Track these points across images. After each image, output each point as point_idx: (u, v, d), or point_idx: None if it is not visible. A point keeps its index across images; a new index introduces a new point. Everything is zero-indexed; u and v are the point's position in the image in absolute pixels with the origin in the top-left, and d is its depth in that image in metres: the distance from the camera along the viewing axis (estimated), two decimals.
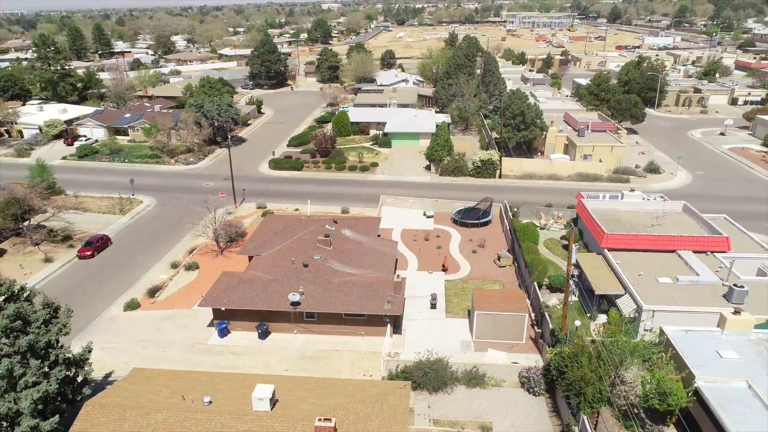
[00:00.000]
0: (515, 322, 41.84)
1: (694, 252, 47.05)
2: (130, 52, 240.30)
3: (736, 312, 35.82)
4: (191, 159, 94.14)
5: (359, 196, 74.63)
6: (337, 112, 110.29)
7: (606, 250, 47.73)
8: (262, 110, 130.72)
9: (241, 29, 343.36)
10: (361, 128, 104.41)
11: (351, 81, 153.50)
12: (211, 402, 29.87)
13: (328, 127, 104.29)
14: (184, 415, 29.00)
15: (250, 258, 51.53)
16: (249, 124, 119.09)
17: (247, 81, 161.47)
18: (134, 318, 47.41)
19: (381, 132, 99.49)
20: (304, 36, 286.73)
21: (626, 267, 45.23)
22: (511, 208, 64.20)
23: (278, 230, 54.30)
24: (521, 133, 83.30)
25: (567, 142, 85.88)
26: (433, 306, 47.33)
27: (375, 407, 30.91)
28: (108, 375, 40.11)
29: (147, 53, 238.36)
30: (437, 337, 43.24)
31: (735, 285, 39.85)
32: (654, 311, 39.40)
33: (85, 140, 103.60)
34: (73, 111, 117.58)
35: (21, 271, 56.19)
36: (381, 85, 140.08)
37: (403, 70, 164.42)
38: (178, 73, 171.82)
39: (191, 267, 55.08)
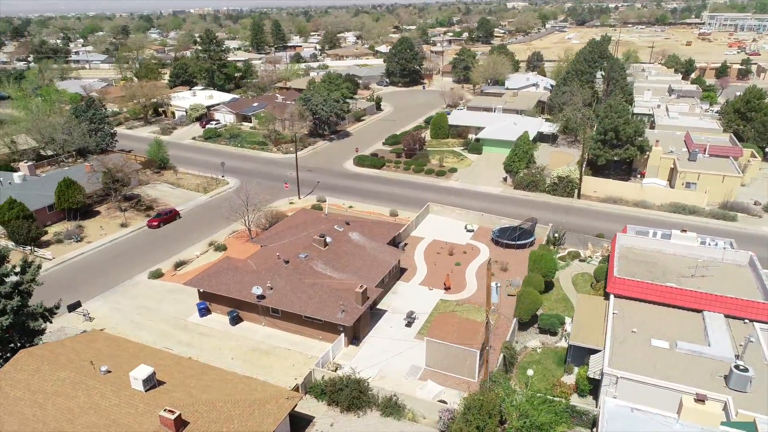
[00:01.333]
0: (466, 358, 38.14)
1: (727, 316, 37.94)
2: (300, 46, 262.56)
3: (699, 400, 28.31)
4: (291, 149, 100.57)
5: (419, 201, 72.96)
6: (439, 114, 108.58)
7: (612, 296, 40.78)
8: (381, 107, 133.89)
9: (412, 27, 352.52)
10: (459, 132, 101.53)
11: (482, 82, 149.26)
12: (108, 372, 32.67)
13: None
14: (79, 378, 32.16)
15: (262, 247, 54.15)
16: (362, 120, 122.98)
17: (382, 78, 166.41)
18: (151, 286, 53.07)
19: (474, 137, 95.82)
20: (466, 35, 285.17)
21: (623, 319, 38.24)
22: (555, 232, 57.94)
23: (294, 225, 56.12)
24: (614, 151, 73.79)
25: (673, 166, 73.94)
26: (408, 324, 45.14)
27: (246, 411, 31.01)
28: (99, 330, 45.65)
29: (315, 48, 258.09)
30: (391, 356, 41.31)
31: (737, 367, 31.44)
32: (618, 377, 32.89)
33: (215, 124, 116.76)
34: (218, 97, 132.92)
35: (99, 231, 66.13)
36: (507, 89, 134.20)
37: (544, 74, 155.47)
38: (326, 67, 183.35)
39: (220, 248, 59.65)
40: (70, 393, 31.38)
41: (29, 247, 59.84)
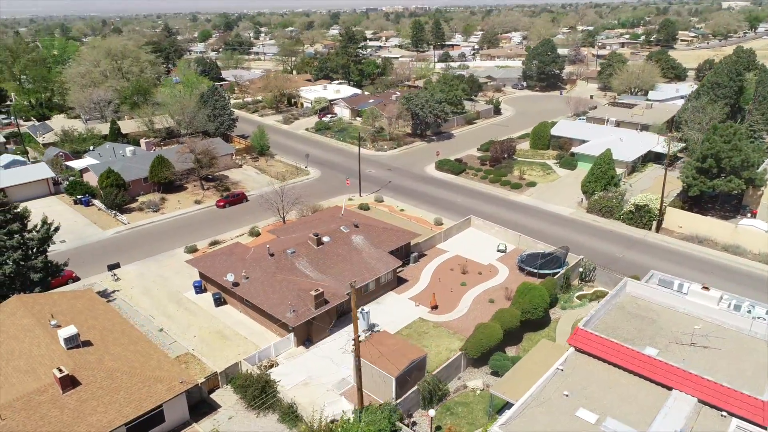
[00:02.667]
0: (384, 382, 35.97)
1: (701, 403, 30.17)
2: (458, 45, 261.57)
3: None
4: (385, 147, 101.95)
5: (475, 212, 69.18)
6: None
7: (573, 349, 34.91)
8: (501, 111, 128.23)
9: (589, 28, 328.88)
10: (561, 144, 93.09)
11: (624, 91, 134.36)
12: (58, 326, 37.42)
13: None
14: (33, 327, 37.41)
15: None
16: (474, 123, 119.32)
17: (518, 81, 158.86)
18: (180, 259, 58.54)
19: (569, 151, 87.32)
20: (643, 38, 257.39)
21: (567, 378, 32.60)
22: (581, 267, 51.07)
23: (312, 220, 57.44)
24: (711, 182, 61.73)
25: None
26: (369, 337, 43.65)
27: (136, 385, 33.39)
28: (116, 290, 52.13)
29: (473, 47, 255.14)
30: (329, 365, 40.59)
31: None
32: None
33: (330, 117, 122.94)
34: (345, 92, 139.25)
35: (176, 205, 74.66)
36: (648, 100, 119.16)
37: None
38: (465, 67, 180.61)
39: (254, 233, 63.46)
40: (21, 337, 36.75)
41: (113, 211, 70.01)
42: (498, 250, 58.10)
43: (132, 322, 45.69)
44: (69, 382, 31.93)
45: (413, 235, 56.00)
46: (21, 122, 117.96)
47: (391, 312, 47.36)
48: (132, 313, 47.83)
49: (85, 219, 69.50)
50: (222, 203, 74.03)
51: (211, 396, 37.58)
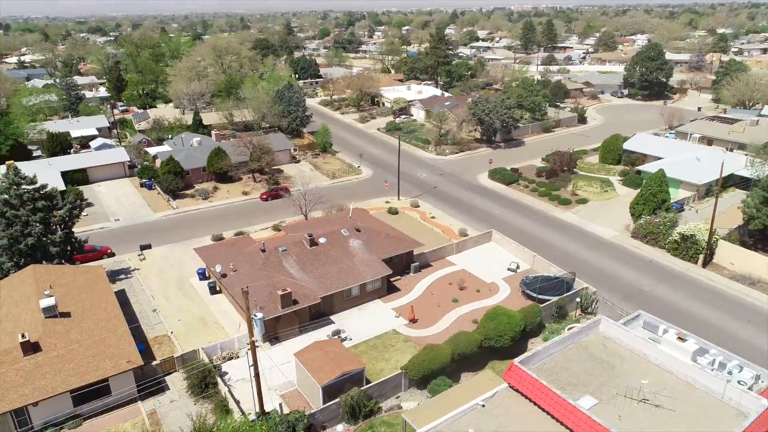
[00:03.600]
0: (313, 389, 35.87)
1: None
2: (570, 47, 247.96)
3: None
4: (446, 151, 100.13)
5: (507, 226, 66.10)
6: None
7: (506, 385, 32.25)
8: (587, 119, 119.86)
9: (727, 31, 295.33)
10: (633, 159, 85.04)
11: (735, 103, 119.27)
12: (48, 295, 41.88)
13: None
14: (31, 294, 42.04)
15: None
16: (551, 131, 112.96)
17: (618, 88, 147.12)
18: (204, 244, 62.45)
19: (635, 169, 79.52)
20: None
21: (482, 415, 30.26)
22: (586, 297, 46.69)
23: (322, 220, 58.30)
24: None
25: None
26: None
27: (87, 358, 36.68)
28: (137, 269, 56.92)
29: (587, 50, 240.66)
30: (285, 365, 41.10)
31: None
32: None
33: (403, 118, 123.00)
34: (427, 93, 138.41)
35: (225, 194, 79.46)
36: (760, 115, 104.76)
37: None
38: (566, 71, 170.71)
39: (276, 228, 65.74)
40: (18, 302, 41.67)
41: (168, 196, 76.22)
42: (508, 269, 54.89)
43: (134, 300, 50.24)
44: (30, 348, 35.73)
45: (415, 245, 54.67)
46: (135, 109, 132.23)
47: (369, 320, 46.83)
48: (138, 291, 52.08)
49: (143, 201, 76.42)
50: (266, 196, 77.45)
51: (167, 378, 39.88)
